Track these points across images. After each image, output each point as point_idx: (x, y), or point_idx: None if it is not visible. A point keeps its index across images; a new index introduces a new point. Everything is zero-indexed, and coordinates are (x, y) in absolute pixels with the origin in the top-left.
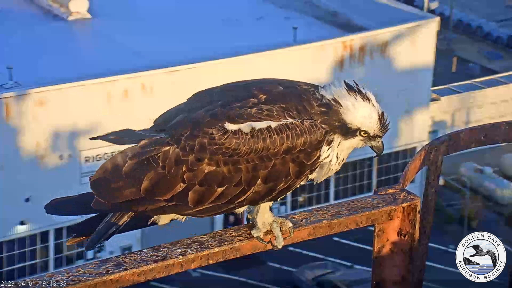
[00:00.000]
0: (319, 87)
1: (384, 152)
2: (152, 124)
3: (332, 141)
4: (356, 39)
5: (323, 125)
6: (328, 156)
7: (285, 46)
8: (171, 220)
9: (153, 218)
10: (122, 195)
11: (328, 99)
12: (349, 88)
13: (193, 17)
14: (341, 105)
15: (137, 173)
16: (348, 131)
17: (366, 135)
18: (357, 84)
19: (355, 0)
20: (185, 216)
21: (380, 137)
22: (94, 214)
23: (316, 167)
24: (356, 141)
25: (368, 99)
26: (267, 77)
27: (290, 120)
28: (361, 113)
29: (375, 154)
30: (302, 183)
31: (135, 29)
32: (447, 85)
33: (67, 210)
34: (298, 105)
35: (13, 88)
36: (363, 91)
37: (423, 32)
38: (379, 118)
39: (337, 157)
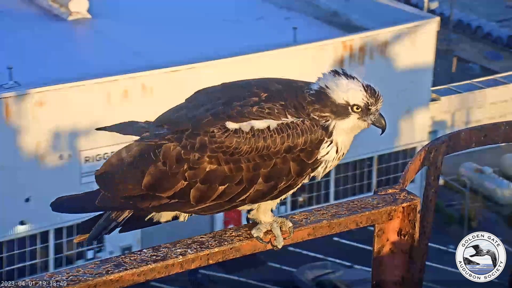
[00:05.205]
0: (311, 83)
1: (384, 152)
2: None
3: (331, 130)
4: (356, 39)
5: (316, 114)
6: (328, 153)
7: (285, 46)
8: (173, 218)
9: (151, 215)
10: (126, 188)
11: (316, 89)
12: (334, 72)
13: (193, 17)
14: (328, 88)
15: (138, 163)
16: (340, 111)
17: (359, 109)
18: (343, 70)
19: (355, 0)
20: (187, 214)
21: (377, 110)
22: (100, 212)
23: (318, 166)
24: (353, 120)
25: (352, 77)
26: (266, 77)
27: (291, 118)
28: (345, 87)
29: (380, 130)
30: (304, 181)
31: (135, 29)
32: (447, 85)
33: (72, 208)
34: (295, 102)
35: (13, 88)
36: (348, 73)
37: (423, 32)
38: (364, 88)
39: (337, 151)
